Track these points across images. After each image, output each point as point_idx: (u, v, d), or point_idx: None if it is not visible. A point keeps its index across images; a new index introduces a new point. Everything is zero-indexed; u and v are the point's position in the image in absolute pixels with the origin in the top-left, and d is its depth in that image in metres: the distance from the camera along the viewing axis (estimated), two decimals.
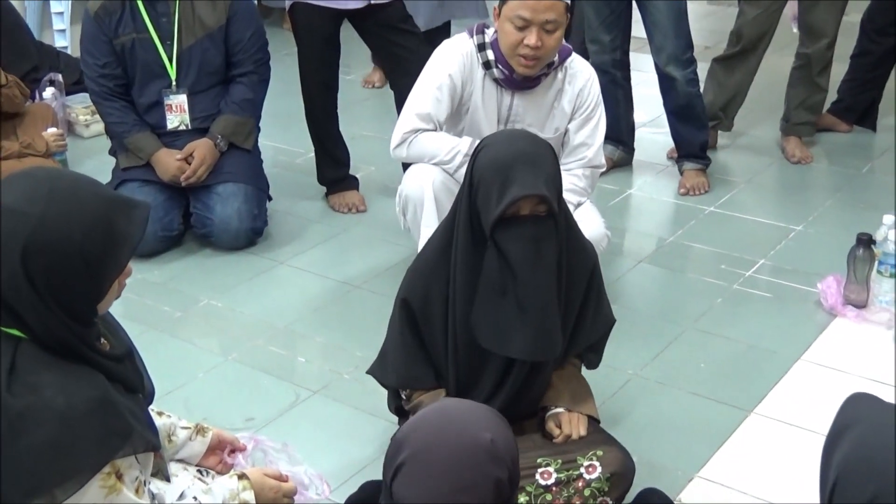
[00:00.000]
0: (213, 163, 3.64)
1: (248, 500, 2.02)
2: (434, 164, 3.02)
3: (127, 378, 1.79)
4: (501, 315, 2.21)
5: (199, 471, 2.17)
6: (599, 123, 3.08)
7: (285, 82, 4.34)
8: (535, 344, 2.22)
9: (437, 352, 2.35)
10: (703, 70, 4.14)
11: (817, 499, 2.39)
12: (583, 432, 2.30)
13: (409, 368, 2.36)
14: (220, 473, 2.18)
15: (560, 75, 3.04)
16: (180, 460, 2.17)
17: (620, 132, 4.26)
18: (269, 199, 3.83)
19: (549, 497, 2.22)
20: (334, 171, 4.00)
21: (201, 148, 3.62)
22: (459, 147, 2.99)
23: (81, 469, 1.66)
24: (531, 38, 2.81)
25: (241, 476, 2.07)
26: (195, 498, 1.97)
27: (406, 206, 3.12)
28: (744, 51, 4.27)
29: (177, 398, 2.80)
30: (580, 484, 2.22)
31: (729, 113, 4.41)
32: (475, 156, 2.23)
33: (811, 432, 2.69)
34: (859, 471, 1.27)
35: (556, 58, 2.96)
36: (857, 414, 1.36)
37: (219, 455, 2.22)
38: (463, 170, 2.95)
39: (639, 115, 4.40)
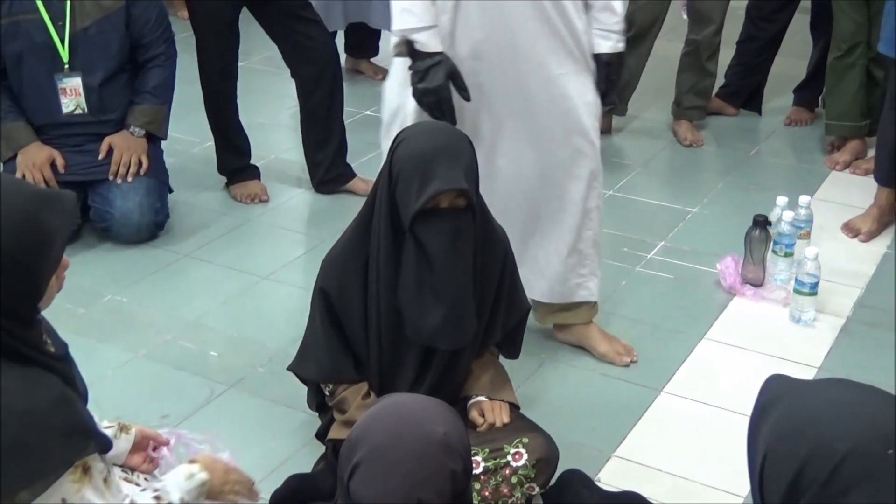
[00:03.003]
0: (140, 150, 3.56)
1: (203, 478, 1.98)
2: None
3: (69, 378, 1.75)
4: (418, 305, 2.24)
5: (123, 471, 2.13)
6: None
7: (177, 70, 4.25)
8: (451, 333, 2.26)
9: (356, 342, 2.35)
10: None
11: (727, 470, 2.51)
12: (506, 419, 2.34)
13: (329, 361, 2.36)
14: (145, 472, 2.14)
15: None
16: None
17: None
18: (170, 190, 3.75)
19: (477, 486, 2.24)
20: (236, 160, 3.94)
21: (118, 140, 3.54)
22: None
23: (51, 468, 1.64)
24: None
25: (191, 461, 2.04)
26: (156, 491, 1.92)
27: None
28: (636, 36, 4.36)
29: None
30: (507, 472, 2.26)
31: (623, 98, 4.50)
32: (394, 148, 2.23)
33: (718, 408, 2.79)
34: (789, 439, 1.31)
35: None
36: (779, 391, 1.40)
37: (143, 453, 2.18)
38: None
39: None
